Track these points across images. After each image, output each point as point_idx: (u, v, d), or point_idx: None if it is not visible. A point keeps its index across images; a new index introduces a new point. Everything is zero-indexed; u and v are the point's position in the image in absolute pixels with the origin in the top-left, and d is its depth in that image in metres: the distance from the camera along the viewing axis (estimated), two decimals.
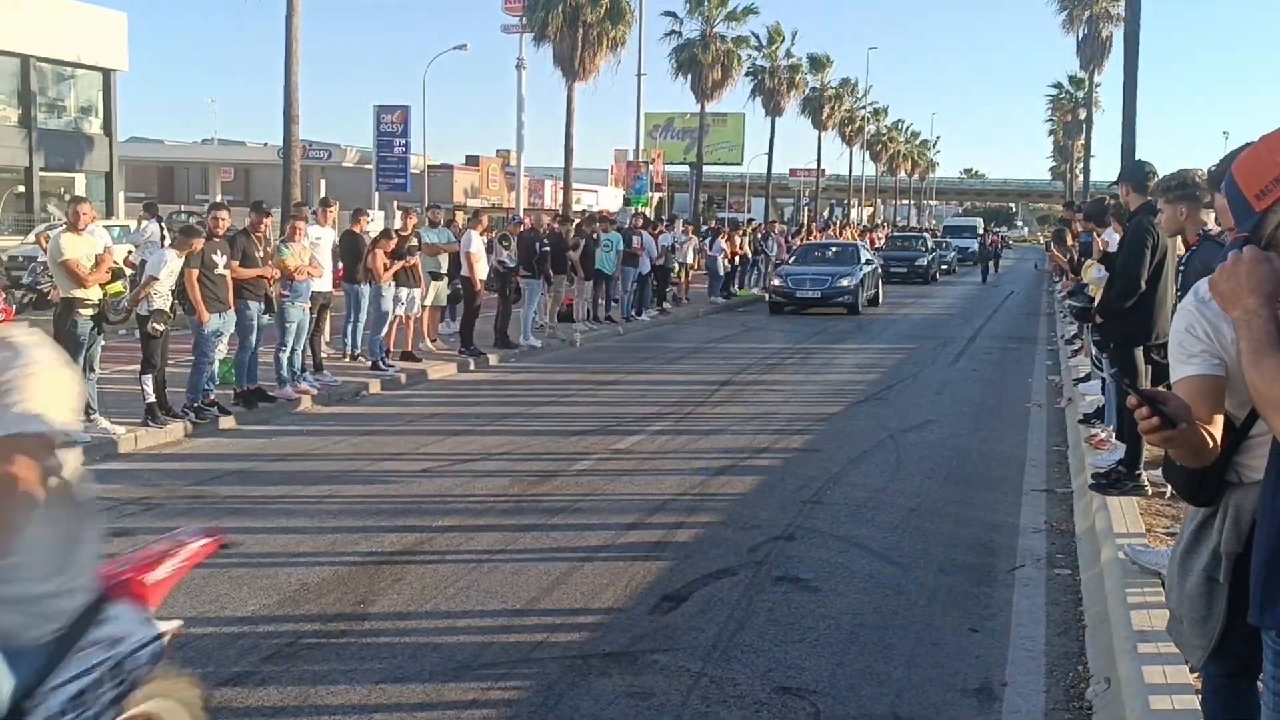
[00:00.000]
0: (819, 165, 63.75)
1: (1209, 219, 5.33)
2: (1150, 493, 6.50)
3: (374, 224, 14.65)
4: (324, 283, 11.22)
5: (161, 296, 8.91)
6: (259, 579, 5.48)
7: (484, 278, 14.04)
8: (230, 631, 4.79)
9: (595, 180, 53.51)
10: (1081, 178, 56.85)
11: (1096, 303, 7.57)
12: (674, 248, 22.13)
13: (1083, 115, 57.93)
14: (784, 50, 51.88)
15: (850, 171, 71.70)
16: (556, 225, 17.49)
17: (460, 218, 15.66)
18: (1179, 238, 6.40)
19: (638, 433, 9.50)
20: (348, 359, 12.78)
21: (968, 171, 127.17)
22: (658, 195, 48.93)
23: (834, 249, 25.58)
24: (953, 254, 41.38)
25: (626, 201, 38.03)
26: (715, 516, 6.79)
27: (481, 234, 14.24)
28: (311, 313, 10.95)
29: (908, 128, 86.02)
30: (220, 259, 9.41)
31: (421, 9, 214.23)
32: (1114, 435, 7.70)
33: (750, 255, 27.00)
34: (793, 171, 75.63)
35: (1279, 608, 1.97)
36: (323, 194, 39.69)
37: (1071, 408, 10.41)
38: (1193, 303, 2.28)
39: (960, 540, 6.46)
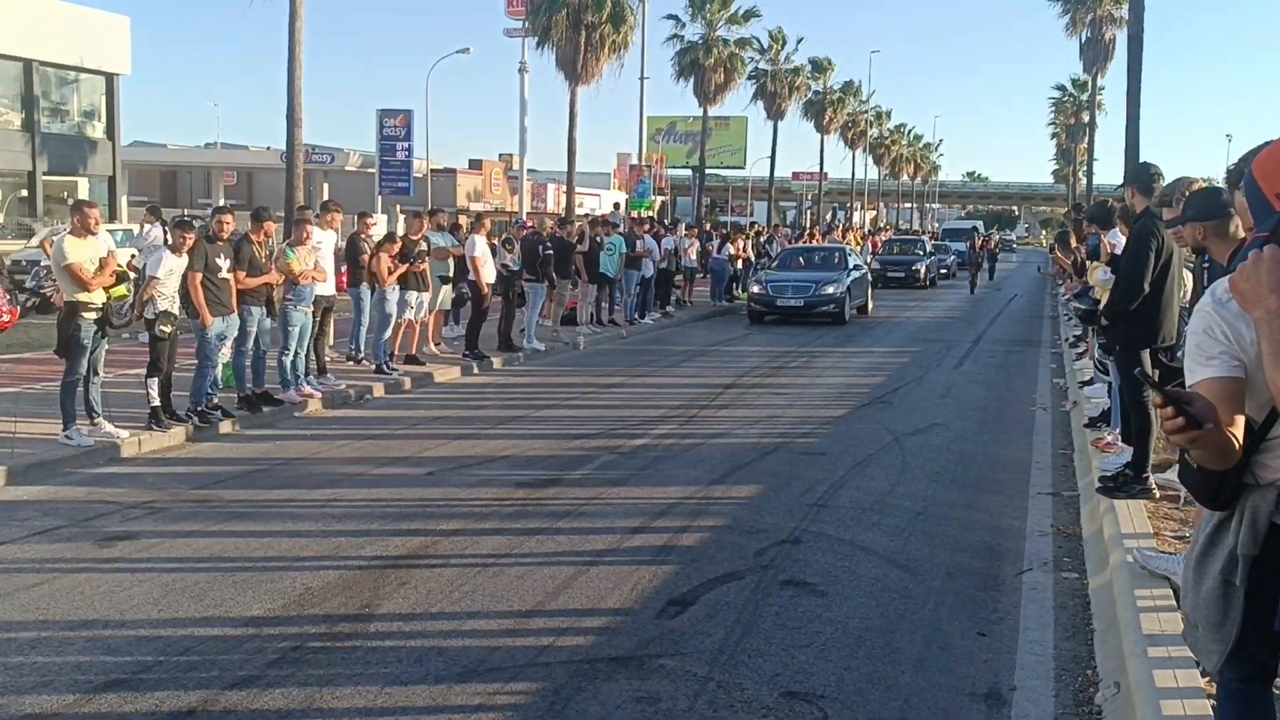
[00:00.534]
0: (821, 169, 63.77)
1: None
2: (1158, 496, 6.48)
3: (377, 228, 14.64)
4: (327, 286, 11.20)
5: (166, 298, 8.89)
6: (263, 583, 5.47)
7: (491, 281, 14.03)
8: (235, 636, 4.77)
9: (598, 184, 53.57)
10: (1085, 181, 56.84)
11: (1102, 306, 7.56)
12: (677, 251, 22.11)
13: (1085, 118, 57.92)
14: (786, 54, 51.95)
15: (853, 175, 71.75)
16: (558, 229, 17.48)
17: (464, 221, 15.63)
18: None
19: (642, 436, 9.48)
20: (349, 362, 12.76)
21: (970, 175, 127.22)
22: (660, 199, 48.92)
23: (820, 253, 23.92)
24: (952, 258, 40.50)
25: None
26: (721, 520, 6.77)
27: (485, 237, 14.22)
28: (314, 316, 10.94)
29: (910, 131, 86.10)
30: (224, 262, 9.40)
31: (424, 13, 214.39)
32: (1120, 438, 7.67)
33: (753, 259, 27.00)
34: (795, 175, 75.71)
35: None
36: (325, 198, 39.73)
37: (1076, 411, 10.38)
38: (1210, 304, 2.25)
39: (967, 544, 6.43)
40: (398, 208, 40.10)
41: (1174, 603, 4.67)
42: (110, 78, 34.93)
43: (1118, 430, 7.84)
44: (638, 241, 19.61)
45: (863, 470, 8.25)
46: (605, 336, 17.76)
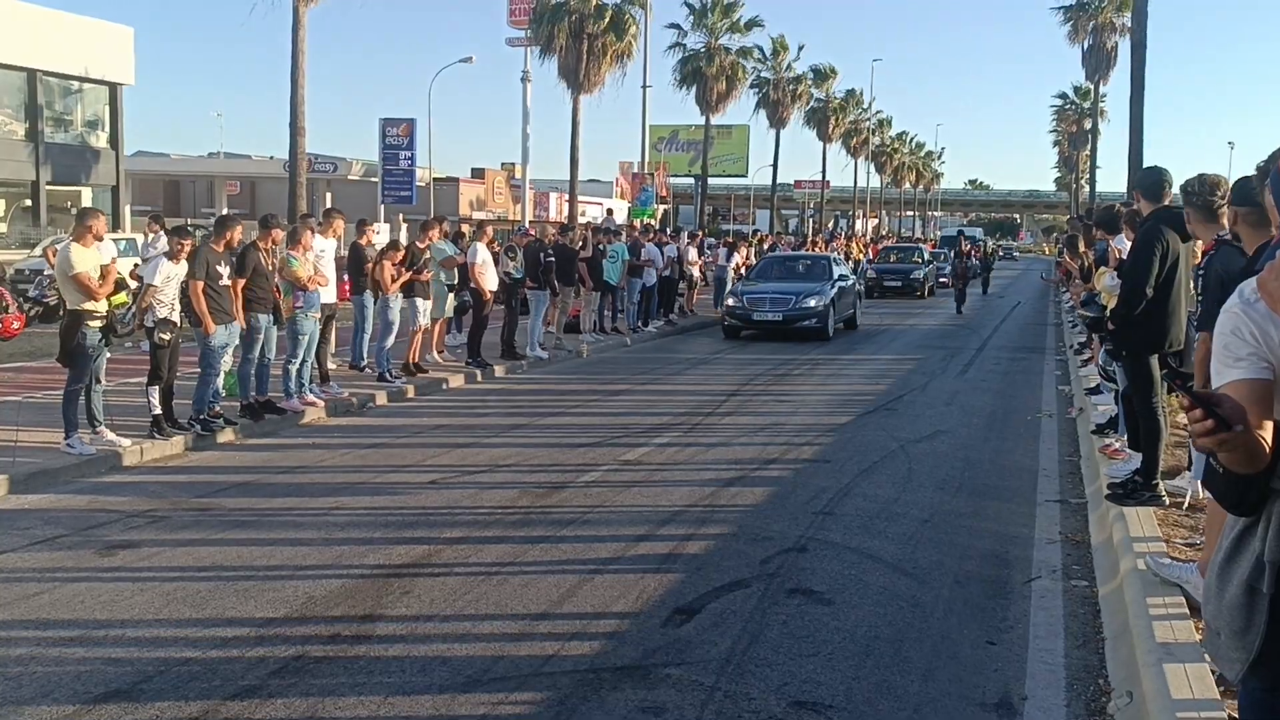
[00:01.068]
0: (824, 177, 63.82)
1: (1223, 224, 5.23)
2: (1168, 503, 6.42)
3: (380, 236, 14.66)
4: (329, 294, 11.18)
5: (165, 305, 8.86)
6: (266, 592, 5.42)
7: (493, 288, 14.00)
8: (237, 645, 4.72)
9: (600, 192, 53.61)
10: (1087, 188, 56.82)
11: (1109, 311, 7.51)
12: (680, 259, 22.07)
13: (1088, 126, 57.91)
14: (788, 62, 52.00)
15: (855, 183, 71.76)
16: (560, 236, 17.45)
17: (466, 230, 15.63)
18: (1196, 244, 6.33)
19: (646, 444, 9.43)
20: (352, 370, 12.73)
21: (973, 183, 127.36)
22: (663, 207, 48.93)
23: (803, 262, 21.98)
24: (949, 266, 39.41)
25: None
26: (726, 528, 6.72)
27: (487, 245, 14.18)
28: (318, 324, 10.91)
29: (912, 139, 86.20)
30: (224, 270, 9.37)
31: (427, 23, 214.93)
32: (1127, 445, 7.61)
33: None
34: (797, 183, 75.75)
35: None
36: (328, 207, 39.74)
37: (1083, 418, 10.32)
38: (1238, 304, 2.20)
39: (975, 552, 6.37)
40: (400, 216, 40.16)
41: (1186, 610, 4.61)
42: (114, 88, 35.00)
43: (1125, 437, 7.78)
44: (641, 250, 19.58)
45: (868, 478, 8.20)
46: (608, 344, 17.72)
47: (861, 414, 11.24)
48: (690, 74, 43.53)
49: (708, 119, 44.91)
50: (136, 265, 15.09)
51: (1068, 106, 65.88)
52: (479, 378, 13.58)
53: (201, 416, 9.25)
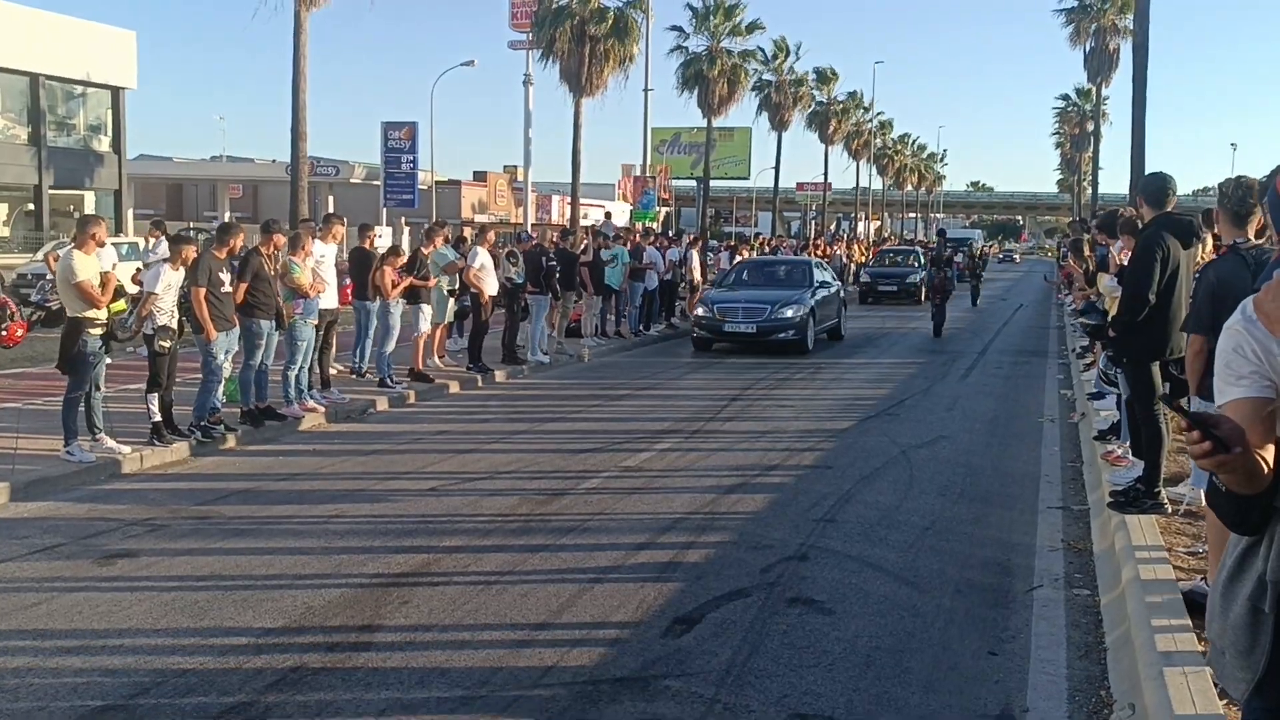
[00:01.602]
0: (826, 179, 63.83)
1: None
2: (1170, 511, 6.39)
3: (381, 239, 14.66)
4: (330, 299, 11.16)
5: (165, 313, 8.85)
6: (264, 601, 5.40)
7: (493, 293, 13.98)
8: (234, 656, 4.70)
9: (603, 195, 53.64)
10: (1090, 190, 56.77)
11: (1110, 317, 7.48)
12: (682, 263, 22.04)
13: (1090, 128, 57.89)
14: (790, 64, 52.02)
15: (857, 185, 71.74)
16: (561, 241, 17.45)
17: (468, 234, 15.62)
18: (1199, 249, 6.30)
19: (646, 450, 9.41)
20: (354, 375, 12.71)
21: (975, 185, 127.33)
22: (665, 210, 48.93)
23: (781, 267, 20.28)
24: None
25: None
26: (727, 536, 6.69)
27: (487, 249, 14.15)
28: (319, 330, 10.90)
29: (914, 141, 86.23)
30: (226, 277, 9.36)
31: (429, 26, 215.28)
32: (1130, 452, 7.58)
33: None
34: (800, 185, 75.68)
35: None
36: (330, 210, 39.81)
37: (1085, 422, 10.29)
38: (1240, 321, 2.17)
39: (976, 560, 6.34)
40: (402, 220, 40.18)
41: (1188, 621, 4.58)
42: (116, 91, 35.07)
43: (1127, 443, 7.75)
44: (643, 253, 19.56)
45: (870, 484, 8.17)
46: (610, 348, 17.70)
47: (863, 419, 11.21)
48: (692, 77, 43.55)
49: (710, 122, 44.93)
50: (139, 270, 15.10)
51: (1069, 108, 65.89)
52: (480, 383, 13.56)
53: (202, 423, 9.24)
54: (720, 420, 11.15)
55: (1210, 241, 6.73)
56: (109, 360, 8.88)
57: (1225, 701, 3.72)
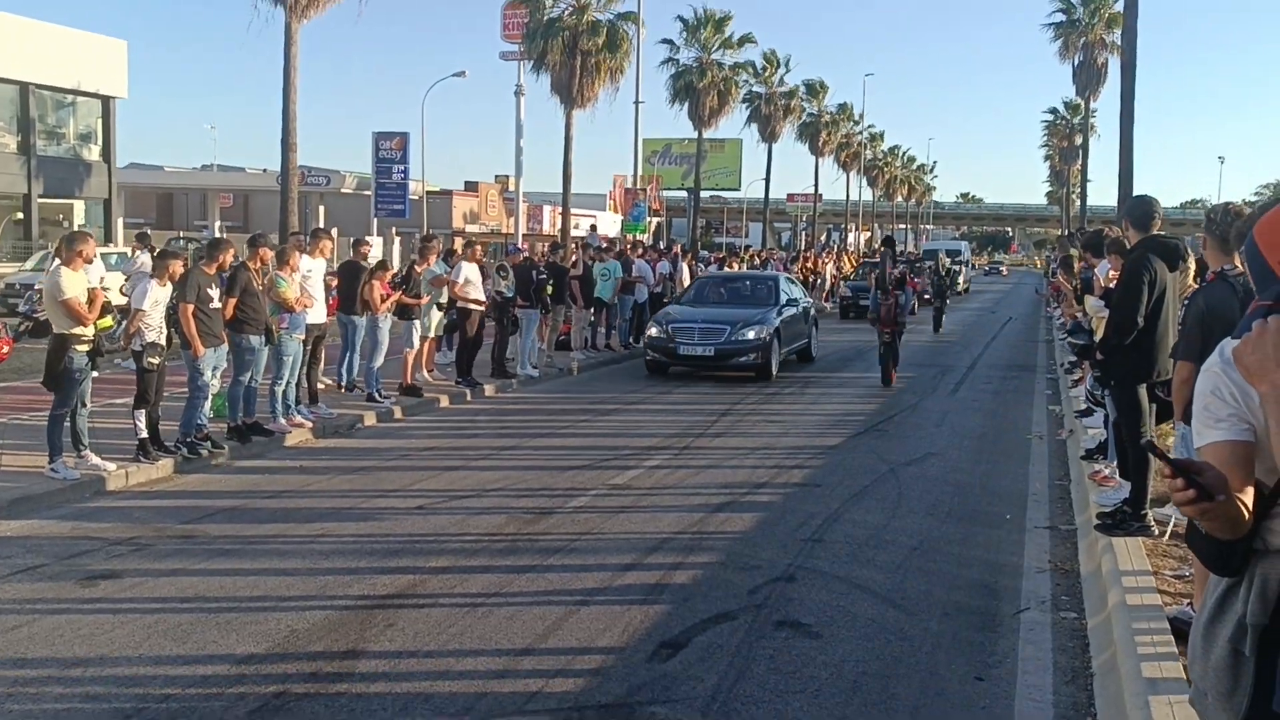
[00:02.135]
0: (816, 190, 64.00)
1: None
2: (1157, 533, 6.40)
3: (373, 251, 14.60)
4: (318, 314, 11.12)
5: (153, 329, 8.81)
6: (248, 624, 5.36)
7: (481, 298, 13.84)
8: (218, 680, 4.66)
9: (594, 205, 53.63)
10: (1078, 202, 57.06)
11: (1098, 337, 7.50)
12: (673, 275, 22.04)
13: (1078, 141, 58.21)
14: (780, 76, 52.21)
15: (847, 196, 71.99)
16: (550, 254, 17.44)
17: (458, 245, 15.58)
18: (1187, 273, 6.33)
19: (635, 467, 9.39)
20: (342, 390, 12.67)
21: (965, 196, 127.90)
22: (656, 220, 48.99)
23: (746, 283, 18.50)
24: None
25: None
26: (714, 556, 6.68)
27: (475, 262, 14.08)
28: (306, 345, 10.86)
29: (904, 153, 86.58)
30: (215, 293, 9.32)
31: (420, 36, 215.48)
32: (1117, 472, 7.60)
33: None
34: (790, 197, 75.88)
35: None
36: (321, 221, 39.76)
37: (1073, 440, 10.31)
38: (1219, 364, 2.17)
39: (963, 581, 6.34)
40: (393, 230, 40.11)
41: (1174, 648, 4.58)
42: (106, 100, 34.99)
43: (1114, 463, 7.76)
44: (632, 266, 19.57)
45: (858, 503, 8.17)
46: (599, 361, 17.69)
47: (852, 435, 11.22)
48: (683, 89, 43.69)
49: (700, 133, 45.08)
50: (125, 281, 15.04)
51: (1059, 121, 66.25)
52: (469, 397, 13.53)
53: (189, 439, 9.19)
54: (710, 436, 11.14)
55: (1194, 265, 6.75)
56: (96, 374, 8.83)
57: None
